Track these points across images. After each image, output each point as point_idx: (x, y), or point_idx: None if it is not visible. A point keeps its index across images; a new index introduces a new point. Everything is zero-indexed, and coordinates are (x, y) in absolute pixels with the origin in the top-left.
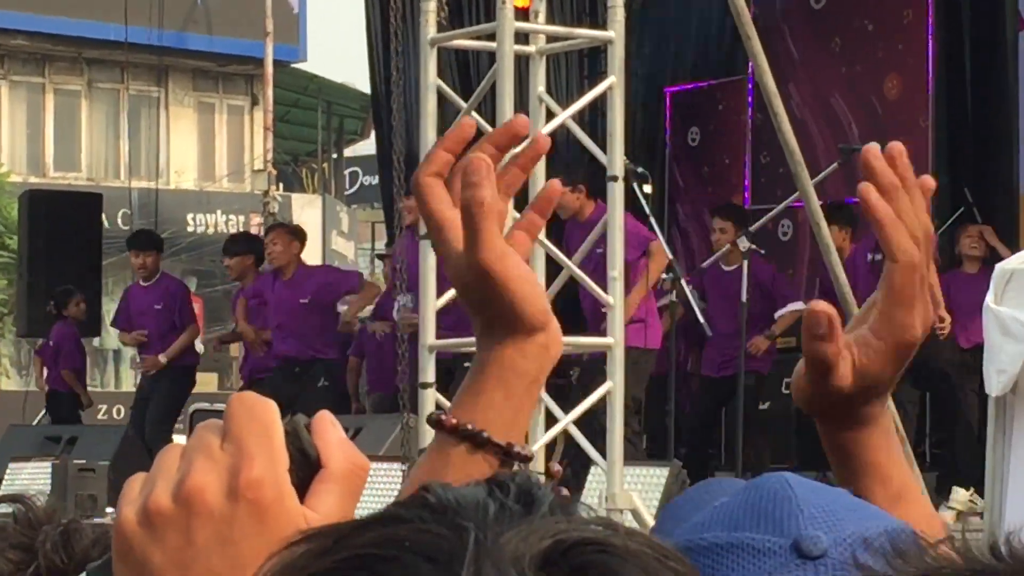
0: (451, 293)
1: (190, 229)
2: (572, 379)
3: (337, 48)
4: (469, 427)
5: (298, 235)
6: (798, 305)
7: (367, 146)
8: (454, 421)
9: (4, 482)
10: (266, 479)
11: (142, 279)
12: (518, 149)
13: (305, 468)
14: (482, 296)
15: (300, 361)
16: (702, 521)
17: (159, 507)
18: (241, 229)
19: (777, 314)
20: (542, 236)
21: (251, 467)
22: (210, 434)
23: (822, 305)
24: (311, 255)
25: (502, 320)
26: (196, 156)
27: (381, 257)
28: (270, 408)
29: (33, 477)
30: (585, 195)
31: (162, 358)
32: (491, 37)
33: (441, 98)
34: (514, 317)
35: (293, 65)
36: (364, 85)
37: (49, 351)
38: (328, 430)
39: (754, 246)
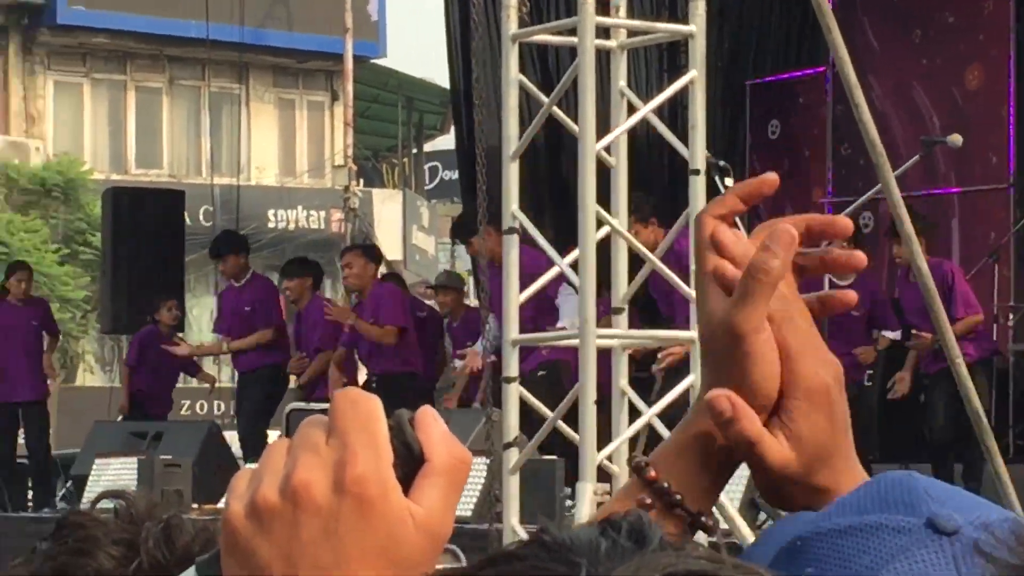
0: (532, 288)
1: (271, 225)
2: (655, 372)
3: (416, 43)
4: (666, 485)
5: (374, 256)
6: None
7: (447, 141)
8: (653, 474)
9: (90, 478)
10: (371, 474)
11: (232, 280)
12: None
13: (409, 462)
14: (721, 354)
15: (392, 375)
16: (823, 514)
17: (266, 501)
18: (322, 225)
19: (886, 333)
20: (624, 230)
21: (356, 462)
22: (316, 430)
23: (716, 392)
24: (392, 250)
25: (728, 385)
26: (277, 152)
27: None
28: (374, 403)
29: (119, 473)
30: (657, 225)
31: (225, 346)
32: (572, 32)
33: (522, 93)
34: (744, 390)
35: (373, 61)
36: (443, 80)
37: (132, 355)
38: (431, 424)
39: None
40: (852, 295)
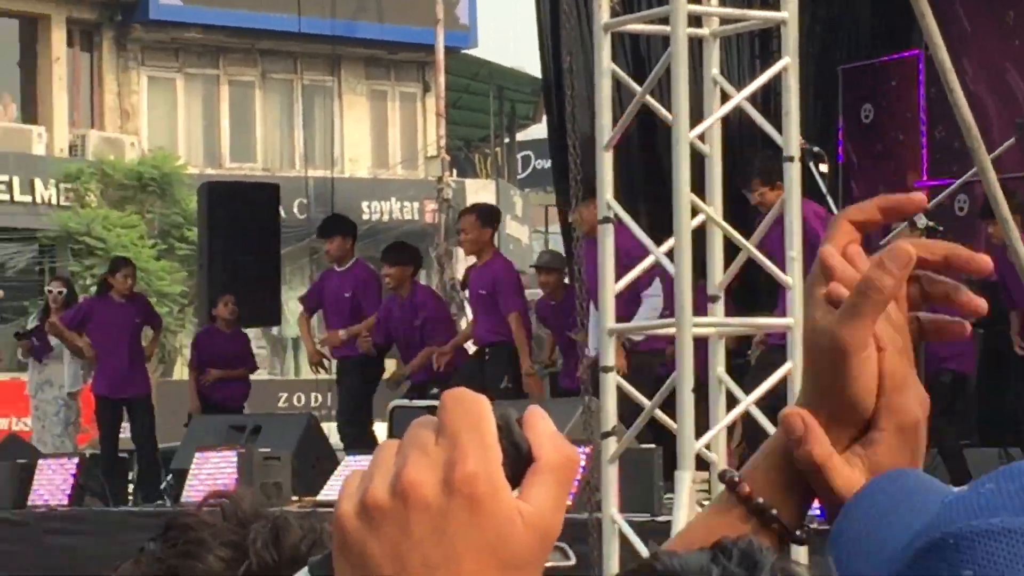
0: (628, 277)
1: (365, 217)
2: (750, 359)
3: (507, 33)
4: (761, 501)
5: (487, 218)
6: None
7: (539, 130)
8: (748, 490)
9: (191, 472)
10: (480, 473)
11: (335, 264)
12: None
13: (517, 461)
14: (823, 366)
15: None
16: (961, 510)
17: (376, 501)
18: (416, 216)
19: None
20: (719, 218)
21: (466, 462)
22: (425, 430)
23: (791, 409)
24: None
25: (824, 399)
26: (370, 144)
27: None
28: (483, 403)
29: (219, 466)
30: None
31: (342, 333)
32: (664, 21)
33: (615, 82)
34: (840, 405)
35: (464, 51)
36: (535, 69)
37: (195, 357)
38: (539, 423)
39: (932, 223)
40: (966, 328)
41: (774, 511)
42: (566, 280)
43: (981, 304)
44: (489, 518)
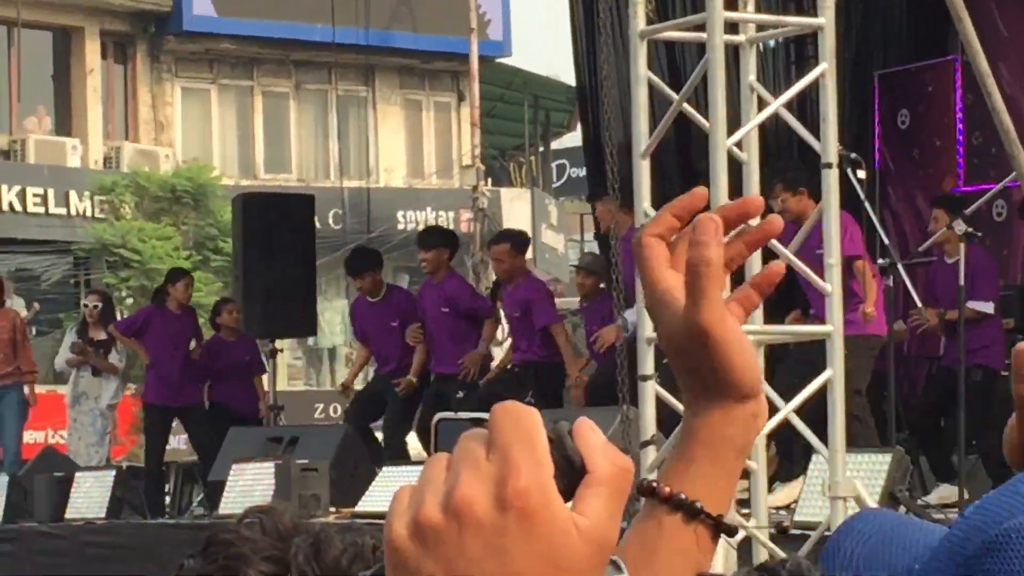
0: None
1: (400, 227)
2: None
3: (541, 41)
4: (683, 496)
5: (519, 245)
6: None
7: (574, 138)
8: (668, 490)
9: (228, 483)
10: (533, 487)
11: (368, 296)
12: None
13: (570, 474)
14: (697, 360)
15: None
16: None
17: (429, 520)
18: (452, 225)
19: (972, 304)
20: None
21: (518, 476)
22: (475, 444)
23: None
24: None
25: (715, 386)
26: (405, 154)
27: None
28: (533, 416)
29: (257, 477)
30: (807, 196)
31: (413, 379)
32: (700, 28)
33: (651, 89)
34: (728, 383)
35: (498, 60)
36: (569, 77)
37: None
38: (590, 435)
39: (971, 229)
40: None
41: (698, 503)
42: (602, 285)
43: (773, 221)
44: (544, 532)
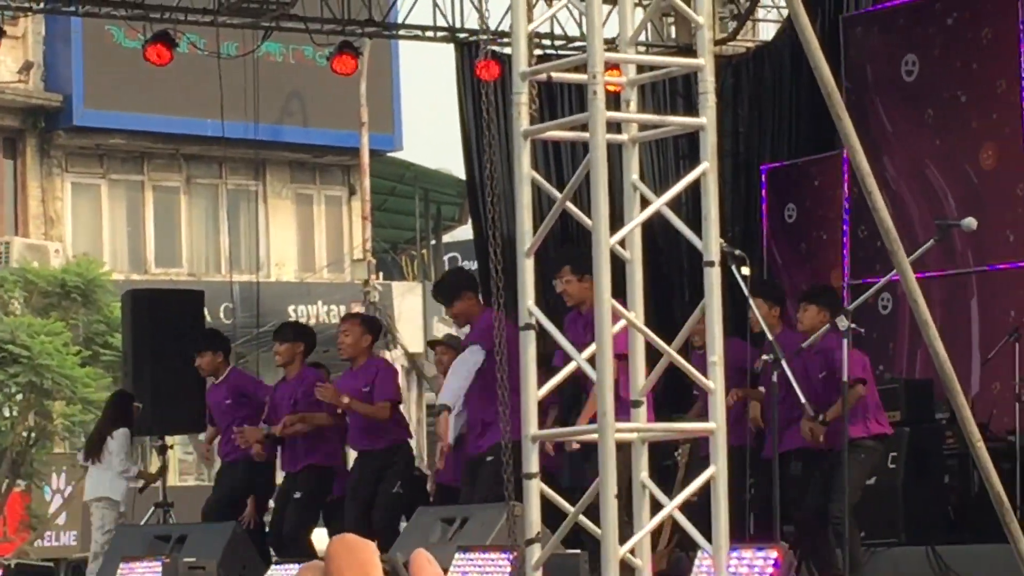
0: (552, 383)
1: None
2: (678, 460)
3: (432, 135)
4: None
5: (371, 327)
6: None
7: (465, 231)
8: None
9: None
10: None
11: (212, 376)
12: None
13: None
14: None
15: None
16: None
17: None
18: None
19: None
20: (641, 323)
21: None
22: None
23: None
24: (413, 342)
25: None
26: (296, 247)
27: (433, 344)
28: (369, 549)
29: None
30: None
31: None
32: (583, 127)
33: (535, 187)
34: None
35: (388, 153)
36: (459, 170)
37: None
38: (425, 567)
39: (853, 324)
40: None
41: None
42: None
43: None
44: None
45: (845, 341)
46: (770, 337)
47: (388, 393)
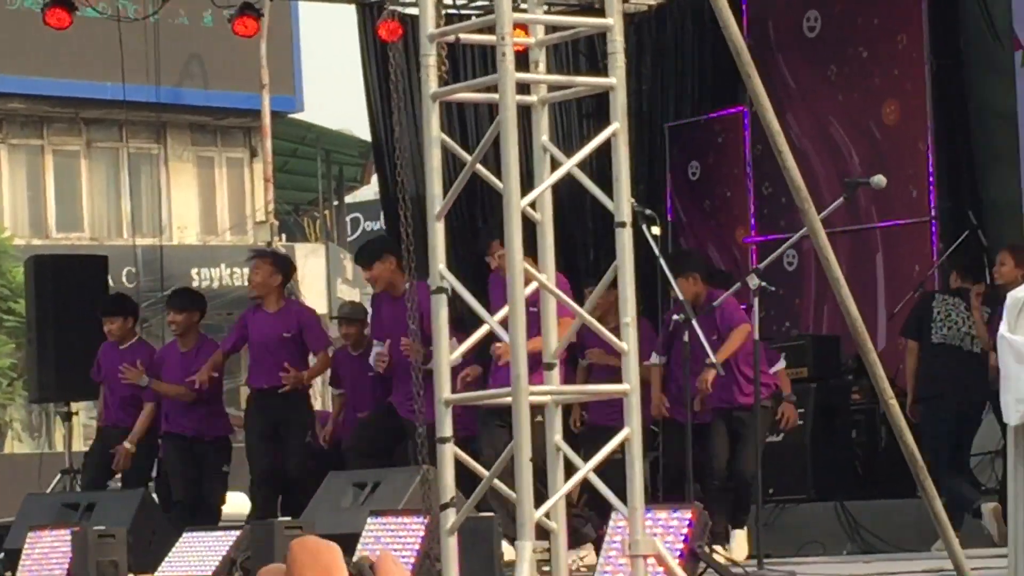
0: (462, 349)
1: (195, 284)
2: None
3: (333, 96)
4: None
5: (282, 266)
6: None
7: (367, 192)
8: None
9: (24, 551)
10: None
11: (117, 342)
12: None
13: None
14: None
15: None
16: None
17: None
18: (246, 282)
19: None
20: (553, 285)
21: None
22: None
23: None
24: (317, 303)
25: None
26: (198, 211)
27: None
28: (333, 551)
29: (53, 546)
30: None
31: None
32: (492, 89)
33: (445, 150)
34: None
35: (290, 115)
36: (361, 131)
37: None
38: (392, 570)
39: (764, 282)
40: None
41: None
42: (366, 331)
43: None
44: None
45: (757, 300)
46: (681, 298)
47: (324, 341)
